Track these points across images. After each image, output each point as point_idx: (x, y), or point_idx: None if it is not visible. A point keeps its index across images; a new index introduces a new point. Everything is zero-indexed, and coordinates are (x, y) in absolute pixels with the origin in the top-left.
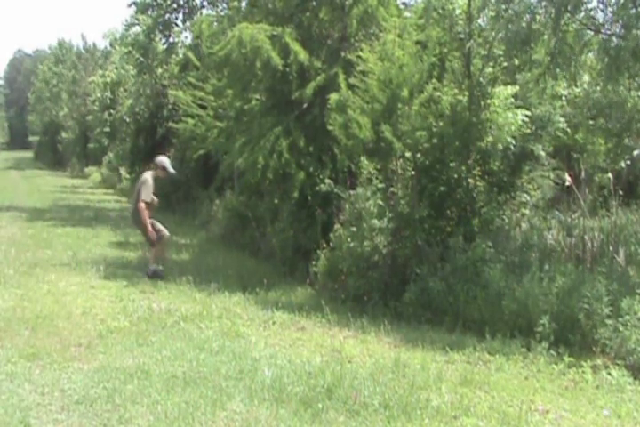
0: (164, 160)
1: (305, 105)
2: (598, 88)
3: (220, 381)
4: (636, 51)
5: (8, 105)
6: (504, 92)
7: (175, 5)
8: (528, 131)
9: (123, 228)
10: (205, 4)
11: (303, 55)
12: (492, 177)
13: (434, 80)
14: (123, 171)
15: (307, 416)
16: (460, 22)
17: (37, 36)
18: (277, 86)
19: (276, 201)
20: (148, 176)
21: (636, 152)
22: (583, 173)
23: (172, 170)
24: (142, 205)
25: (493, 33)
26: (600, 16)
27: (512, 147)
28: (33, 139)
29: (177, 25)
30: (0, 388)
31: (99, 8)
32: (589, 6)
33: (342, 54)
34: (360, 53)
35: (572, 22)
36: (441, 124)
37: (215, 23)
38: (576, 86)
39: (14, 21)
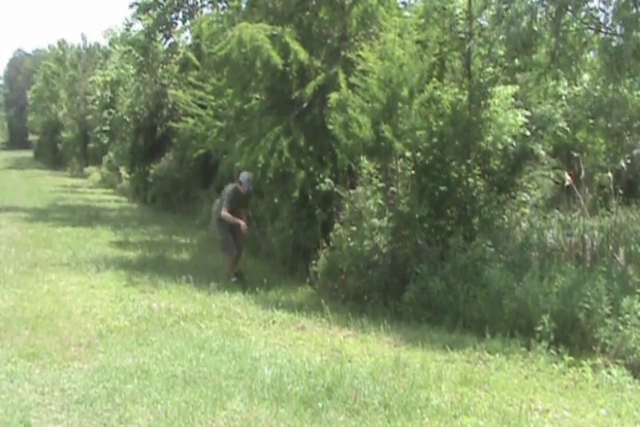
0: (243, 175)
1: (305, 104)
2: (598, 87)
3: (220, 380)
4: (637, 51)
5: (8, 105)
6: (504, 91)
7: (175, 4)
8: (528, 133)
9: (122, 227)
10: (205, 3)
11: (303, 54)
12: (492, 176)
13: (434, 79)
14: (122, 170)
15: (307, 416)
16: (461, 22)
17: (37, 35)
18: (277, 86)
19: (276, 200)
20: (230, 188)
21: (636, 151)
22: (583, 173)
23: (247, 185)
24: (225, 212)
25: (495, 34)
26: (600, 15)
27: (512, 146)
28: (33, 138)
29: (177, 24)
30: (0, 387)
31: (99, 8)
32: (590, 5)
33: (342, 54)
34: (360, 53)
35: (572, 21)
36: (441, 123)
37: (215, 23)
38: (576, 85)
39: (14, 21)
